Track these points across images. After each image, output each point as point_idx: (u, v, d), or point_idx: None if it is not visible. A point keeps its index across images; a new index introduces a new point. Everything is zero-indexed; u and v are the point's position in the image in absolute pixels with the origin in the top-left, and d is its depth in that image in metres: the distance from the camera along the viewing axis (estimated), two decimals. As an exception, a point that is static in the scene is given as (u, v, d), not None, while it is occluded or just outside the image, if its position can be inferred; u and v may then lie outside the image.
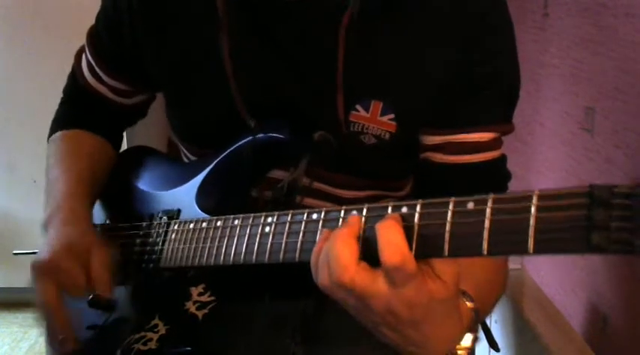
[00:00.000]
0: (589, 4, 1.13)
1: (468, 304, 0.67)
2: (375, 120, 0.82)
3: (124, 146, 1.13)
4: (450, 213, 0.53)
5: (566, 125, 1.24)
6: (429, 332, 0.59)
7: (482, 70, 0.81)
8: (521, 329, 1.31)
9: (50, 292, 0.81)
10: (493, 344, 0.77)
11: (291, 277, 0.71)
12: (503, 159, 0.87)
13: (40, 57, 2.28)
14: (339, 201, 0.89)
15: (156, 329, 0.81)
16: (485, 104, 0.83)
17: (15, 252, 1.15)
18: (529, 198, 0.49)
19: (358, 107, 0.82)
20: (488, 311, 0.78)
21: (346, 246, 0.57)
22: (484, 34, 0.80)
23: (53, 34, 2.26)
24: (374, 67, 0.81)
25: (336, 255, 0.57)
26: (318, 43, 0.82)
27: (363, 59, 0.81)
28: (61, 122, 1.07)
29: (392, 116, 0.82)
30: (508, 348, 1.41)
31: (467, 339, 0.65)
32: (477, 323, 0.67)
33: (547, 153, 1.35)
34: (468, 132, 0.83)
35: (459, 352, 0.64)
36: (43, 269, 0.82)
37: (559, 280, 1.27)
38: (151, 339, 0.81)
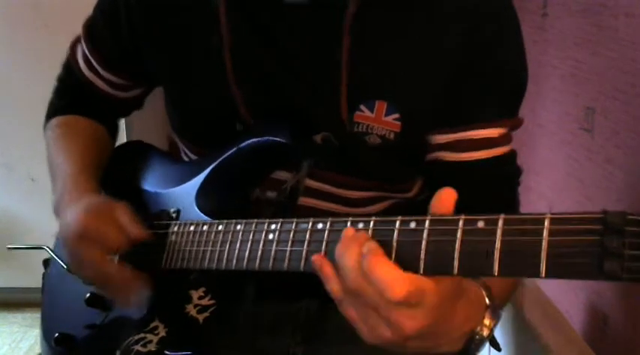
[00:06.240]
0: (589, 4, 1.13)
1: (482, 291, 0.65)
2: (379, 120, 0.82)
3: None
4: (459, 231, 0.53)
5: (566, 125, 1.23)
6: (451, 320, 0.59)
7: (488, 67, 0.81)
8: (522, 329, 1.31)
9: (93, 253, 0.80)
10: (494, 344, 0.77)
11: (291, 278, 0.71)
12: (513, 154, 0.86)
13: (40, 56, 2.28)
14: (344, 202, 0.88)
15: (156, 331, 0.81)
16: (493, 100, 0.83)
17: (9, 246, 1.10)
18: (541, 221, 0.48)
19: (362, 107, 0.81)
20: (503, 289, 0.75)
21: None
22: (489, 32, 0.79)
23: (53, 33, 2.25)
24: (378, 66, 0.81)
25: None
26: (321, 43, 0.81)
27: (367, 59, 0.80)
28: (55, 109, 1.05)
29: (397, 116, 0.82)
30: (508, 348, 1.41)
31: (487, 318, 0.64)
32: (493, 301, 0.65)
33: (547, 153, 1.35)
34: (477, 129, 0.82)
35: (484, 331, 0.64)
36: (76, 238, 0.81)
37: (559, 280, 1.27)
38: (150, 341, 0.80)
